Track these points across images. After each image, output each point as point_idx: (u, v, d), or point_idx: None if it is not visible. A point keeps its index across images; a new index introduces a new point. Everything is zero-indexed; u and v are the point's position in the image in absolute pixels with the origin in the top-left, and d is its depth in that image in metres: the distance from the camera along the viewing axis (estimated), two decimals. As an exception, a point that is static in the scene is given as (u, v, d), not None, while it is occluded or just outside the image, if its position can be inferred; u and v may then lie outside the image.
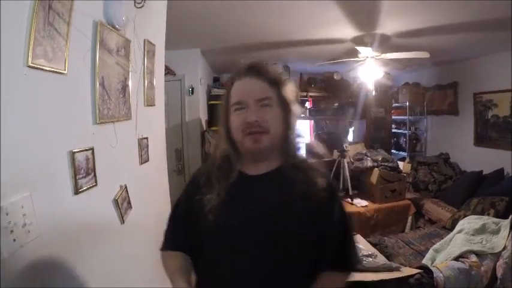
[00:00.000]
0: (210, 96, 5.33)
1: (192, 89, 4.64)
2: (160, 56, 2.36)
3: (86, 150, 1.31)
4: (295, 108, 1.11)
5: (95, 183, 1.37)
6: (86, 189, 1.30)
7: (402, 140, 6.77)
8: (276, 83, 1.08)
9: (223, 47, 4.51)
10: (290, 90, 1.11)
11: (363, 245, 2.42)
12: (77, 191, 1.24)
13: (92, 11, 1.38)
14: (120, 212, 1.61)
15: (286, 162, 1.09)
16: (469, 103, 5.35)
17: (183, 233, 1.13)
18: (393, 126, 6.76)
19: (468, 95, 5.35)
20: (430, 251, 3.03)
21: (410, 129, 6.45)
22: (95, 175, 1.37)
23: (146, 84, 2.06)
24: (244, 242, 0.99)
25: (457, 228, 3.23)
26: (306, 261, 1.03)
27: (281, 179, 1.05)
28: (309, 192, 1.01)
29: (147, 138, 2.05)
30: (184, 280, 1.02)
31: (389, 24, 3.45)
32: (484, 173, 4.70)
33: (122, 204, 1.63)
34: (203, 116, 4.95)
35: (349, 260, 1.15)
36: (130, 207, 1.76)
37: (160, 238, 1.21)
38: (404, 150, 6.54)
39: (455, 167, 5.42)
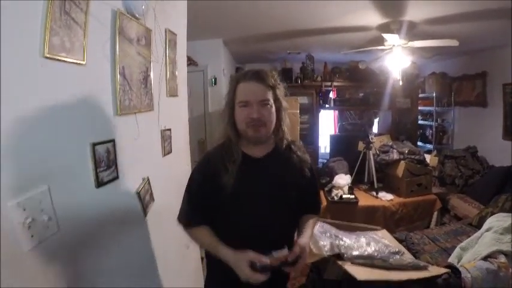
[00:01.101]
0: (233, 87, 5.23)
1: (215, 79, 4.61)
2: (182, 45, 2.32)
3: (107, 142, 1.28)
4: (285, 104, 1.49)
5: (116, 176, 1.35)
6: (107, 182, 1.28)
7: (428, 132, 6.52)
8: (273, 87, 1.42)
9: (246, 36, 4.44)
10: (282, 91, 1.47)
11: (389, 241, 2.33)
12: (98, 184, 1.22)
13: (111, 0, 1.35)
14: (143, 204, 1.59)
15: (279, 145, 1.50)
16: (498, 94, 5.05)
17: (203, 208, 1.43)
18: (419, 117, 6.52)
19: (497, 86, 5.05)
20: (457, 249, 2.91)
21: (437, 120, 6.20)
22: (116, 168, 1.34)
23: (168, 74, 2.02)
24: (259, 203, 1.40)
25: (485, 226, 3.07)
26: (295, 208, 1.51)
27: (277, 158, 1.47)
28: (301, 166, 1.49)
29: (170, 129, 2.02)
30: (224, 246, 1.33)
31: (416, 11, 3.30)
32: (513, 167, 4.46)
33: (145, 196, 1.61)
34: (226, 106, 4.86)
35: (319, 206, 1.70)
36: (153, 199, 1.73)
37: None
38: (430, 143, 6.30)
39: (483, 161, 5.16)
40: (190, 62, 4.43)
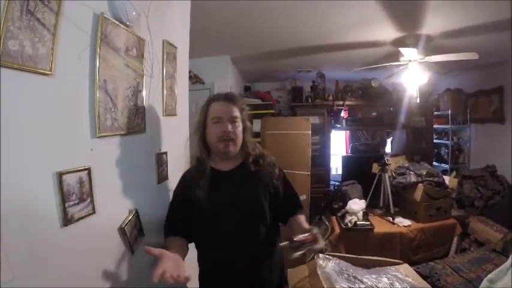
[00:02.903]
0: (241, 106, 5.06)
1: (223, 98, 4.41)
2: (183, 60, 2.12)
3: (80, 170, 1.05)
4: (249, 125, 1.66)
5: (92, 211, 1.11)
6: (78, 219, 1.04)
7: (444, 151, 6.25)
8: (241, 108, 1.60)
9: (254, 53, 4.30)
10: (247, 112, 1.66)
11: (413, 277, 2.06)
12: (66, 221, 0.99)
13: (92, 1, 1.14)
14: (128, 241, 1.35)
15: (246, 159, 1.62)
16: None
17: (180, 221, 1.56)
18: (434, 136, 6.28)
19: None
20: (485, 282, 2.62)
21: (452, 139, 5.94)
22: (92, 201, 1.11)
23: (166, 91, 1.81)
24: (230, 213, 1.50)
25: (515, 254, 2.80)
26: (268, 217, 1.56)
27: (245, 171, 1.59)
28: (270, 176, 1.60)
29: (165, 153, 1.80)
30: (176, 251, 1.35)
31: (433, 23, 3.16)
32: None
33: (131, 232, 1.38)
34: (233, 126, 4.67)
35: (300, 204, 1.74)
36: (143, 234, 1.50)
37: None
38: (446, 162, 6.02)
39: (503, 181, 4.89)
40: (196, 79, 4.28)
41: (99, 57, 1.14)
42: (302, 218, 1.62)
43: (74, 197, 1.02)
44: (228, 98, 1.59)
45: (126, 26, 1.33)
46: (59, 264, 0.99)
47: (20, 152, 0.86)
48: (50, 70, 0.94)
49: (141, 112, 1.49)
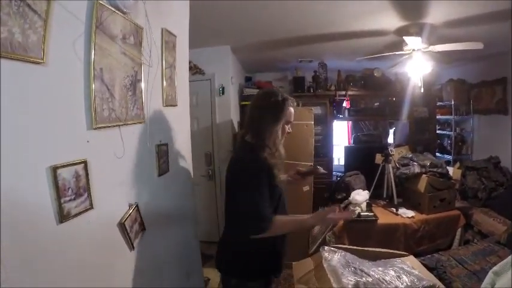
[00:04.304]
0: (242, 97, 5.00)
1: (223, 88, 4.35)
2: (183, 49, 2.07)
3: (75, 164, 1.00)
4: None
5: (89, 206, 1.07)
6: (76, 215, 1.00)
7: (447, 142, 6.19)
8: None
9: (255, 43, 4.20)
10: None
11: (419, 270, 2.02)
12: (62, 217, 0.95)
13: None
14: (129, 236, 1.31)
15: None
16: None
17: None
18: (437, 127, 6.20)
19: None
20: (490, 275, 2.56)
21: (455, 130, 5.88)
22: (89, 195, 1.07)
23: (165, 80, 1.75)
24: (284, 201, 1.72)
25: (521, 246, 2.78)
26: None
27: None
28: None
29: (166, 144, 1.76)
30: (305, 215, 1.67)
31: (438, 12, 3.07)
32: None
33: (131, 227, 1.33)
34: (235, 117, 4.63)
35: None
36: (144, 229, 1.45)
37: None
38: (449, 153, 5.96)
39: (506, 172, 4.84)
40: (197, 70, 4.21)
41: (94, 45, 1.09)
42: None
43: (70, 192, 0.97)
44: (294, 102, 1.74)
45: (123, 12, 1.27)
46: (56, 262, 0.95)
47: (11, 146, 0.81)
48: (42, 58, 0.89)
49: (139, 102, 1.44)
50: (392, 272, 1.85)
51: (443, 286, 2.03)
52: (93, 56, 1.08)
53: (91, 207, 1.08)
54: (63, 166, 0.95)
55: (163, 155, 1.72)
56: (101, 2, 1.13)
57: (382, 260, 2.12)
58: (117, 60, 1.24)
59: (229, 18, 3.18)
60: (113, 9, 1.20)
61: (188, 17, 2.17)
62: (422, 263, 2.43)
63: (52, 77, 0.93)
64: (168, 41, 1.77)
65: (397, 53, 3.78)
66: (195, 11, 2.22)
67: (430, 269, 2.49)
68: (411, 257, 2.28)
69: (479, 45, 3.27)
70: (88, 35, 1.08)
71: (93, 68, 1.08)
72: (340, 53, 4.84)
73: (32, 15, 0.86)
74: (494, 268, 2.61)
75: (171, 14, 1.86)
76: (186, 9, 2.15)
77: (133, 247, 1.35)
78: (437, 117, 6.16)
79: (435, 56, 3.77)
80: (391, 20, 3.32)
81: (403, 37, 3.30)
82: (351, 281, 1.68)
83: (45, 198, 0.91)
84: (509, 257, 2.67)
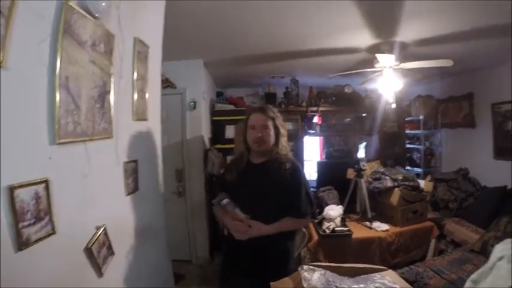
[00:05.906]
0: (214, 112, 4.94)
1: (195, 103, 4.26)
2: (155, 61, 1.98)
3: (35, 183, 0.88)
4: (282, 131, 2.04)
5: (51, 231, 0.95)
6: (35, 241, 0.88)
7: (416, 156, 6.39)
8: (272, 117, 1.99)
9: (228, 58, 4.17)
10: (280, 119, 2.06)
11: (400, 285, 1.97)
12: (20, 245, 0.82)
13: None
14: (96, 262, 1.18)
15: (274, 157, 1.99)
16: (486, 114, 4.99)
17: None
18: (406, 141, 6.39)
19: (485, 106, 5.01)
20: (468, 283, 2.61)
21: (424, 143, 6.09)
22: (51, 219, 0.94)
23: (136, 93, 1.65)
24: (251, 192, 1.93)
25: (496, 254, 2.78)
26: (272, 202, 1.92)
27: (270, 165, 1.97)
28: (286, 172, 1.94)
29: (135, 161, 1.64)
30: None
31: (408, 31, 3.16)
32: (508, 187, 4.31)
33: (99, 251, 1.21)
34: (206, 133, 4.55)
35: (301, 210, 1.97)
36: (112, 253, 1.33)
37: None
38: (418, 166, 6.16)
39: (475, 183, 5.01)
40: (168, 83, 4.12)
41: (61, 49, 0.98)
42: (284, 219, 1.94)
43: (30, 216, 0.86)
44: (261, 110, 2.03)
45: (94, 17, 1.17)
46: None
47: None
48: (1, 61, 0.78)
49: (108, 116, 1.33)
50: (374, 290, 1.80)
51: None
52: (59, 62, 0.97)
53: (53, 232, 0.95)
54: (22, 186, 0.83)
55: (132, 172, 1.60)
56: (70, 3, 1.03)
57: (362, 276, 2.06)
58: (84, 69, 1.13)
59: (203, 32, 3.12)
60: (83, 12, 1.10)
61: (162, 28, 2.10)
62: (402, 277, 2.39)
63: (12, 83, 0.82)
64: (141, 51, 1.68)
65: (368, 70, 3.86)
66: (168, 22, 2.15)
67: (411, 282, 2.46)
68: (390, 271, 2.23)
69: (449, 63, 3.38)
70: (55, 39, 0.97)
71: (59, 75, 0.97)
72: (312, 70, 4.91)
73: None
74: (472, 276, 2.63)
75: (145, 24, 1.78)
76: (160, 20, 2.07)
77: (101, 273, 1.23)
78: (407, 131, 6.39)
79: (407, 73, 3.85)
80: (363, 38, 3.38)
81: (376, 54, 3.34)
82: (333, 302, 1.60)
83: (1, 222, 0.79)
84: (486, 264, 2.70)
